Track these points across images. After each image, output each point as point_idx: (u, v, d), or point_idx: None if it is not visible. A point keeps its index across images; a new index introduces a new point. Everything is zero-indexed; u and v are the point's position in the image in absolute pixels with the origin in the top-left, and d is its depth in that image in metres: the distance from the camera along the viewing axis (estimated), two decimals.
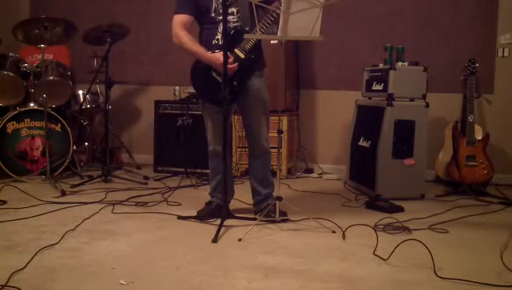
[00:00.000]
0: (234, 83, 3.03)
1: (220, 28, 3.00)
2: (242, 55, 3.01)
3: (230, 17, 3.01)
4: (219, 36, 3.02)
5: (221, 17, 2.95)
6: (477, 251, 2.66)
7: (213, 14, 3.04)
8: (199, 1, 3.04)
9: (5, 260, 2.36)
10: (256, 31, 2.85)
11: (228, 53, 2.91)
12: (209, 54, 3.01)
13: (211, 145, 3.21)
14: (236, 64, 2.99)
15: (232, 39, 3.00)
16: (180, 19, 3.06)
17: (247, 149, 4.49)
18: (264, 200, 3.24)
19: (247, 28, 3.02)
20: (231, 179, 3.43)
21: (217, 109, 3.04)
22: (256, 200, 3.29)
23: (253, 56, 3.03)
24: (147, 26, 5.37)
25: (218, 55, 2.93)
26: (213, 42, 3.05)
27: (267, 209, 3.06)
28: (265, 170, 3.26)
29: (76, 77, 4.94)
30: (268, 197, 3.23)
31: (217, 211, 3.14)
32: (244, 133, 3.37)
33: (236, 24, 3.03)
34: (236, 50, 3.01)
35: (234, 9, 3.02)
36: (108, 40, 4.29)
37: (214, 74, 3.06)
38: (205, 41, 3.09)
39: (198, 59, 3.08)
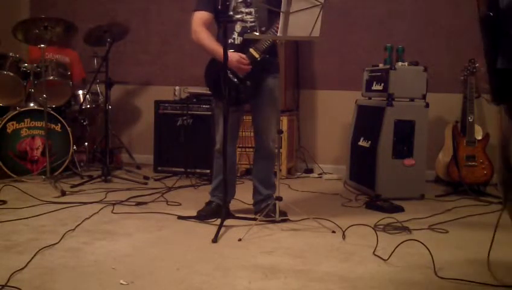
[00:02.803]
0: (248, 82, 3.04)
1: (237, 27, 3.02)
2: (257, 55, 3.01)
3: (247, 17, 3.03)
4: (235, 35, 3.04)
5: (239, 16, 2.99)
6: (477, 251, 2.66)
7: (231, 13, 3.02)
8: None
9: (5, 260, 2.35)
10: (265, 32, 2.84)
11: (243, 53, 2.96)
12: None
13: (219, 144, 3.21)
14: (250, 66, 2.99)
15: (247, 39, 2.99)
16: (200, 16, 3.06)
17: (246, 149, 4.53)
18: (264, 200, 3.24)
19: (263, 29, 3.01)
20: (234, 179, 3.42)
21: (231, 109, 3.05)
22: (257, 200, 3.29)
23: (268, 56, 3.01)
24: (147, 26, 5.38)
25: (234, 55, 2.95)
26: (229, 41, 3.04)
27: (267, 210, 3.06)
28: (268, 171, 3.26)
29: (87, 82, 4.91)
30: (268, 198, 3.23)
31: (216, 211, 3.13)
32: (252, 132, 3.36)
33: (252, 24, 3.04)
34: (251, 50, 3.01)
35: (252, 10, 3.03)
36: (109, 40, 4.29)
37: (229, 73, 3.04)
38: (221, 40, 3.05)
39: (214, 57, 3.06)
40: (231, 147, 3.19)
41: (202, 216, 3.14)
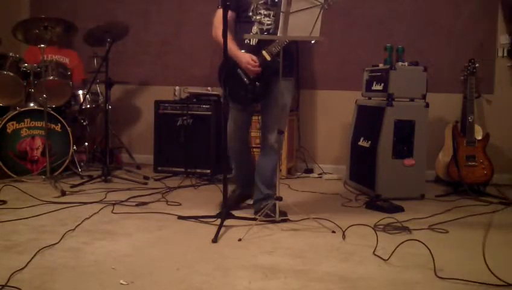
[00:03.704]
0: (257, 83, 3.09)
1: (254, 28, 3.08)
2: (268, 57, 3.05)
3: (265, 19, 3.08)
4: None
5: (257, 17, 3.06)
6: (477, 251, 2.65)
7: (250, 13, 3.09)
8: None
9: (5, 260, 2.36)
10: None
11: (254, 54, 3.04)
12: (239, 52, 3.06)
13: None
14: (259, 68, 3.04)
15: (261, 40, 3.05)
16: (221, 13, 3.06)
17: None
18: (264, 199, 3.23)
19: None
20: (250, 176, 3.41)
21: (239, 108, 3.16)
22: (257, 198, 3.29)
23: (279, 60, 2.99)
24: (147, 26, 5.38)
25: (246, 56, 3.03)
26: (245, 42, 3.09)
27: (266, 209, 3.06)
28: (271, 170, 3.25)
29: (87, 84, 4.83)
30: (268, 197, 3.22)
31: (238, 200, 3.40)
32: (253, 132, 3.42)
33: (269, 27, 3.08)
34: (263, 52, 3.05)
35: (271, 13, 3.07)
36: (109, 40, 4.29)
37: (240, 73, 3.10)
38: (238, 39, 3.12)
39: (230, 55, 3.07)
40: (241, 144, 3.30)
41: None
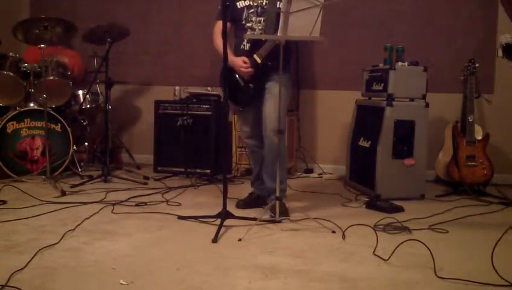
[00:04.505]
0: (251, 85, 3.28)
1: (247, 34, 3.28)
2: (259, 60, 3.22)
3: (256, 25, 3.28)
4: (245, 42, 3.28)
5: (249, 25, 3.27)
6: (477, 251, 2.66)
7: (243, 22, 3.29)
8: (235, 10, 3.30)
9: (5, 260, 2.36)
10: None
11: (247, 58, 3.23)
12: (233, 57, 3.25)
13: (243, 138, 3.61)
14: (251, 69, 3.21)
15: (254, 45, 3.23)
16: (219, 25, 3.31)
17: (246, 149, 4.55)
18: (272, 194, 3.21)
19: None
20: (267, 171, 3.40)
21: (237, 108, 3.46)
22: (267, 193, 3.36)
23: (269, 63, 3.18)
24: (147, 26, 5.38)
25: (238, 59, 3.23)
26: (240, 47, 3.32)
27: (267, 209, 3.05)
28: (273, 163, 3.19)
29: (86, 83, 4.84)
30: (273, 193, 3.17)
31: (256, 202, 3.44)
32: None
33: (260, 32, 3.27)
34: (254, 55, 3.23)
35: (261, 18, 3.26)
36: (109, 40, 4.29)
37: (237, 76, 3.30)
38: (235, 46, 3.37)
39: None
40: (253, 141, 3.45)
41: (240, 205, 3.41)
